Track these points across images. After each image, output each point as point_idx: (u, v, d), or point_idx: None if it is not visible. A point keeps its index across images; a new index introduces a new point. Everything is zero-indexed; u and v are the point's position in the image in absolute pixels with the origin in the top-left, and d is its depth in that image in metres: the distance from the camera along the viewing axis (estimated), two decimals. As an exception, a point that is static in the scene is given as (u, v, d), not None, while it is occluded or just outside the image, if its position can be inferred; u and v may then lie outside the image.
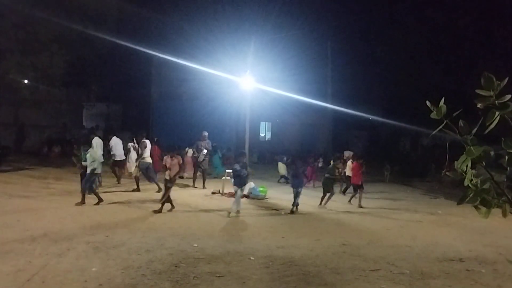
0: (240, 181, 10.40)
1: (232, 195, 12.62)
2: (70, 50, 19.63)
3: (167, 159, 10.40)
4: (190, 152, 15.39)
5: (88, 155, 10.25)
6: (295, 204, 10.83)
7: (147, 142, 12.89)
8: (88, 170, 10.20)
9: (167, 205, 10.07)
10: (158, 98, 27.97)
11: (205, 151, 13.96)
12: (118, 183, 13.60)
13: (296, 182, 11.07)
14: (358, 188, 12.48)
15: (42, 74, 19.35)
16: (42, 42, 18.30)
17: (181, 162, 10.58)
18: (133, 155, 13.60)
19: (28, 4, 16.64)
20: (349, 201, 12.63)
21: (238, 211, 10.19)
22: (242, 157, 10.92)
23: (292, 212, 10.73)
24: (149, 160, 12.95)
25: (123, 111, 30.45)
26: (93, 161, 10.25)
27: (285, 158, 17.45)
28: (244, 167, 10.51)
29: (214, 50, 20.52)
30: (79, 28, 17.88)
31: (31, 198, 10.81)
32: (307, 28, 24.18)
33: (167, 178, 10.20)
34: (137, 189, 12.53)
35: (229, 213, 9.98)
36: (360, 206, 12.08)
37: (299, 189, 10.89)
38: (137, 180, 12.60)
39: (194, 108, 24.69)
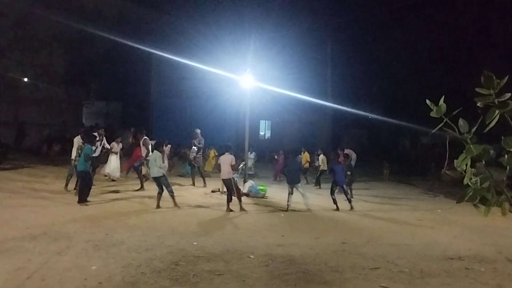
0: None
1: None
2: (69, 48, 19.61)
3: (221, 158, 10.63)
4: (167, 148, 15.84)
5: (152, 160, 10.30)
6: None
7: (148, 139, 12.87)
8: (158, 174, 10.17)
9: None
10: (158, 96, 27.96)
11: (194, 148, 13.94)
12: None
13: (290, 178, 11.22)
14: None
15: (42, 72, 19.32)
16: (42, 40, 18.28)
17: (233, 162, 10.52)
18: (113, 156, 13.69)
19: (28, 2, 16.62)
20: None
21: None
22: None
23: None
24: None
25: (122, 109, 30.48)
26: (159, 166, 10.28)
27: (253, 154, 17.71)
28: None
29: (214, 48, 20.50)
30: (79, 26, 17.84)
31: (31, 196, 10.81)
32: (307, 27, 24.16)
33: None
34: (142, 188, 12.45)
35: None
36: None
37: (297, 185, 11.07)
38: (141, 179, 12.56)
39: (193, 106, 24.69)
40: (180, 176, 15.88)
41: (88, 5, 18.51)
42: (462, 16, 23.17)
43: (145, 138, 12.87)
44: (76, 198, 10.18)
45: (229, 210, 10.21)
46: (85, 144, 10.67)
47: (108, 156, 13.76)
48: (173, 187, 13.51)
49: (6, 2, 16.20)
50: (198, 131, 14.22)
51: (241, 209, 10.36)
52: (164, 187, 10.19)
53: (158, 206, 10.11)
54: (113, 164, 13.83)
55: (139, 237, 7.42)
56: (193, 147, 13.94)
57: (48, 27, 17.84)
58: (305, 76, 22.39)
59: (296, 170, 11.30)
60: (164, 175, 10.32)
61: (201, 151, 14.07)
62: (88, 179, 10.39)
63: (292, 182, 10.96)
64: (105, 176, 13.80)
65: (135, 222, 8.68)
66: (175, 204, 10.25)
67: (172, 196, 10.26)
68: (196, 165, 14.04)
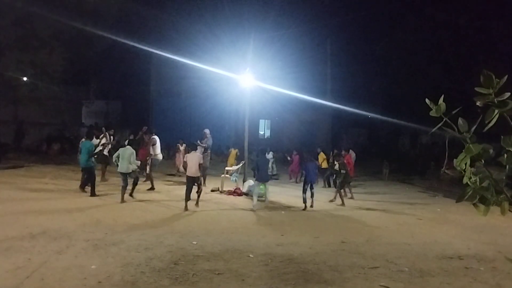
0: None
1: (231, 193, 12.67)
2: (69, 48, 19.58)
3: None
4: (182, 147, 16.03)
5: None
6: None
7: (156, 138, 12.81)
8: (127, 170, 10.39)
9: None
10: (158, 96, 27.98)
11: (199, 148, 13.94)
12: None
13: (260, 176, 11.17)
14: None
15: (41, 72, 19.30)
16: (41, 39, 18.26)
17: (201, 161, 10.47)
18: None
19: (27, 1, 16.59)
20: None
21: None
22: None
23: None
24: (160, 157, 12.84)
25: (122, 108, 30.45)
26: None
27: (270, 153, 17.74)
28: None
29: (213, 48, 20.50)
30: (78, 25, 17.82)
31: (30, 195, 10.80)
32: (306, 26, 24.15)
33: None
34: (152, 188, 12.42)
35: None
36: (331, 201, 12.33)
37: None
38: (151, 178, 12.56)
39: (193, 106, 24.70)
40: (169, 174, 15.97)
41: (87, 4, 18.49)
42: (462, 15, 23.15)
43: (153, 138, 12.82)
44: (78, 198, 10.48)
45: (197, 205, 10.30)
46: (86, 140, 11.37)
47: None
48: (174, 187, 13.60)
49: (5, 1, 16.19)
50: (207, 131, 14.23)
51: (197, 204, 10.34)
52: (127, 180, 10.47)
53: (122, 201, 10.35)
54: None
55: (138, 236, 7.42)
56: (197, 147, 13.97)
57: (47, 26, 17.82)
58: (304, 75, 22.39)
59: (265, 168, 11.20)
60: (133, 172, 10.50)
61: (207, 151, 14.10)
62: (94, 174, 11.14)
63: (262, 180, 10.88)
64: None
65: (134, 221, 8.68)
66: (131, 195, 10.56)
67: (133, 189, 10.67)
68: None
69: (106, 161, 13.48)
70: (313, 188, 11.14)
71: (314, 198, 11.20)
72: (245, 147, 14.67)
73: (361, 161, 17.86)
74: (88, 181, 11.12)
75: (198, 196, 10.42)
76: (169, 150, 19.38)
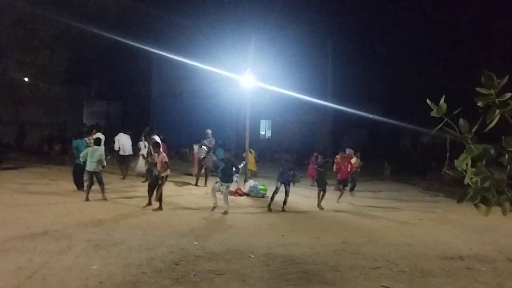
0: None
1: (232, 193, 12.64)
2: (70, 48, 19.64)
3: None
4: (195, 148, 15.74)
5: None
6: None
7: (157, 139, 12.85)
8: (97, 169, 10.43)
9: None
10: (159, 96, 27.98)
11: (204, 148, 13.96)
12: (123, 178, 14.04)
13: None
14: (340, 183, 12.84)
15: (43, 72, 19.34)
16: (43, 39, 18.30)
17: (165, 159, 10.29)
18: (143, 152, 14.13)
19: (29, 1, 16.63)
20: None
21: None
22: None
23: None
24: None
25: (123, 109, 30.48)
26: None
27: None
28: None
29: (214, 48, 20.48)
30: (80, 26, 17.86)
31: (31, 196, 10.80)
32: (307, 26, 24.12)
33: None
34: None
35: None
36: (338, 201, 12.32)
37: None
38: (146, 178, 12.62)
39: (194, 106, 24.68)
40: (186, 174, 15.94)
41: (89, 4, 18.52)
42: (463, 14, 23.15)
43: (155, 142, 12.81)
44: (79, 198, 10.54)
45: (160, 208, 9.84)
46: (77, 139, 11.85)
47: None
48: (177, 187, 13.62)
49: (7, 1, 16.23)
50: (209, 131, 14.22)
51: (160, 207, 9.87)
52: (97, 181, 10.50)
53: (87, 199, 10.31)
54: (141, 163, 14.53)
55: (139, 237, 7.43)
56: (203, 147, 13.97)
57: (49, 26, 17.87)
58: (305, 76, 22.35)
59: (230, 168, 10.79)
60: (100, 172, 10.52)
61: (211, 151, 14.11)
62: (79, 172, 11.39)
63: (227, 181, 10.56)
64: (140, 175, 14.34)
65: (135, 221, 8.69)
66: (104, 197, 10.47)
67: (103, 190, 10.52)
68: (204, 165, 14.02)
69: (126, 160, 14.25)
70: (276, 192, 10.80)
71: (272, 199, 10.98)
72: (246, 148, 14.69)
73: (362, 161, 17.81)
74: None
75: (160, 196, 10.04)
76: (170, 151, 19.33)
